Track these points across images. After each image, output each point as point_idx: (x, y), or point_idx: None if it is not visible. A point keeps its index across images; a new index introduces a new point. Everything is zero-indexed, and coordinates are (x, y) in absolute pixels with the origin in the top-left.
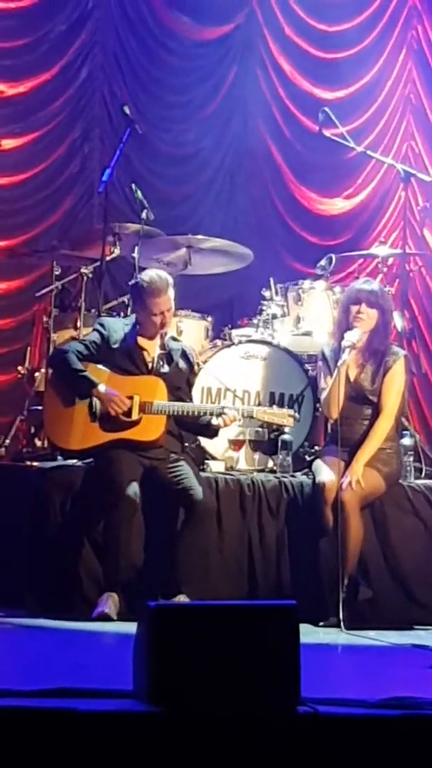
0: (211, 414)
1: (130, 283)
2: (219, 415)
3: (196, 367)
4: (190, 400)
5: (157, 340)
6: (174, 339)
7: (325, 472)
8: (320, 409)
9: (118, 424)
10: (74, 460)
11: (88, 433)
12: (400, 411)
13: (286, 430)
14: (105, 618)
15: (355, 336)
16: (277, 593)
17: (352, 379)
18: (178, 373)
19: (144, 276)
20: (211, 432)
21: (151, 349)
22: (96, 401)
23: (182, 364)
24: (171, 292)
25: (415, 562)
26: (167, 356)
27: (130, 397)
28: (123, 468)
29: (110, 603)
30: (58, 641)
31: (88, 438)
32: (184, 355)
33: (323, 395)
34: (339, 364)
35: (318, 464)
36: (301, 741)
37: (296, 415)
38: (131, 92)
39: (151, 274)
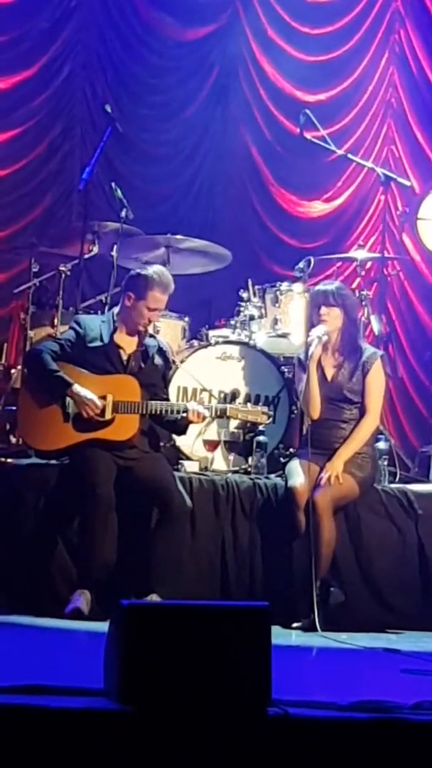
0: (179, 412)
1: (130, 273)
2: (183, 411)
3: (172, 363)
4: (167, 396)
5: (136, 338)
6: (150, 336)
7: (297, 475)
8: (295, 411)
9: (91, 424)
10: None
11: (61, 434)
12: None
13: (262, 429)
14: (78, 613)
15: (319, 331)
16: (249, 594)
17: (329, 378)
18: (154, 370)
19: (153, 268)
20: (180, 428)
21: (128, 347)
22: (69, 401)
23: (158, 360)
24: (168, 293)
25: (387, 566)
26: (143, 353)
27: (104, 397)
28: (98, 467)
29: (83, 600)
30: (30, 638)
31: (61, 438)
32: (161, 351)
33: (301, 396)
34: (308, 360)
35: (291, 467)
36: (270, 742)
37: (270, 412)
38: (113, 91)
39: (161, 269)
